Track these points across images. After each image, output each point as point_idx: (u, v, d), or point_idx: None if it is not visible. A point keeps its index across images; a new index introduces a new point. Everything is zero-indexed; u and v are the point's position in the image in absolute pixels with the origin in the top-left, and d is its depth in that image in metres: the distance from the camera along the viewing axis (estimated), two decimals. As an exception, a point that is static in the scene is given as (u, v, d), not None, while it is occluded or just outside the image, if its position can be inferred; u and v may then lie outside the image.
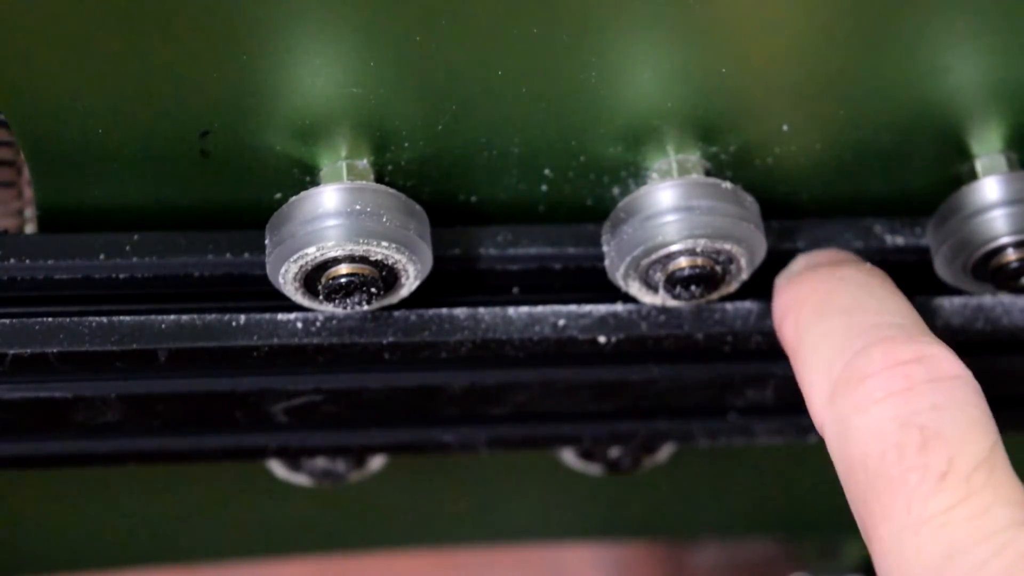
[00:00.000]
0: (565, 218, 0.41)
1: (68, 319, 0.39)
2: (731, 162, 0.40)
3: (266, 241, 0.38)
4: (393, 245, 0.37)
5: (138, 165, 0.39)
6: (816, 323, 0.36)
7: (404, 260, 0.38)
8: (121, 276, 0.39)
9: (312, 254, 0.37)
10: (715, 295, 0.40)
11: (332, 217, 0.37)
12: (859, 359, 0.34)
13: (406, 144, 0.39)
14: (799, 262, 0.40)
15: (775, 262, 0.40)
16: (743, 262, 0.39)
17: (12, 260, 0.39)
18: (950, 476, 0.31)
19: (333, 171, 0.39)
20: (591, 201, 0.41)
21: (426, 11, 0.35)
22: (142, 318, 0.39)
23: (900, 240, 0.42)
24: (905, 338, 0.34)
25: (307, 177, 0.39)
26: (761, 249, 0.39)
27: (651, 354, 0.42)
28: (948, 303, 0.42)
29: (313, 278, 0.38)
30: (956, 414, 0.33)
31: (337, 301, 0.38)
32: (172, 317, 0.39)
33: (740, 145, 0.40)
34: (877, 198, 0.42)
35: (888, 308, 0.36)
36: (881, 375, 0.33)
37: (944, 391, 0.33)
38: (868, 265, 0.39)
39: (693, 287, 0.39)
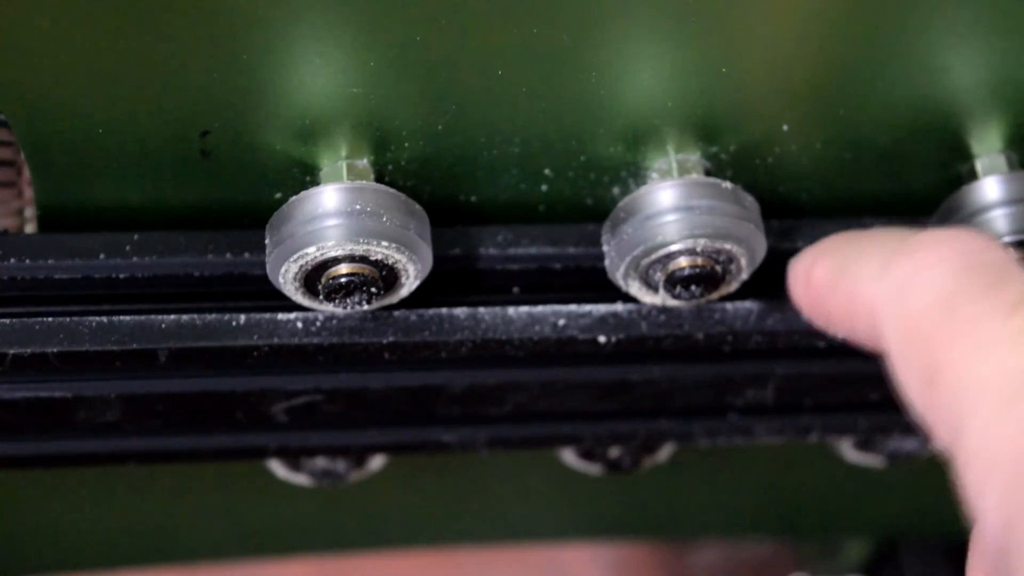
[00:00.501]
0: (565, 218, 0.41)
1: (68, 319, 0.39)
2: (731, 162, 0.40)
3: (266, 241, 0.38)
4: (393, 245, 0.37)
5: (138, 165, 0.39)
6: (853, 245, 0.36)
7: (404, 260, 0.38)
8: (121, 276, 0.39)
9: (312, 254, 0.37)
10: (715, 295, 0.40)
11: (332, 217, 0.37)
12: (912, 236, 0.34)
13: (406, 144, 0.39)
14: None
15: (775, 262, 0.40)
16: (743, 262, 0.39)
17: (12, 260, 0.39)
18: (1022, 307, 0.31)
19: (333, 171, 0.39)
20: (591, 201, 0.41)
21: (426, 11, 0.35)
22: (142, 318, 0.39)
23: (900, 240, 0.42)
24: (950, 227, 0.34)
25: (307, 177, 0.39)
26: (761, 249, 0.39)
27: (651, 354, 0.42)
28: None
29: (313, 278, 0.38)
30: (1018, 272, 0.33)
31: (337, 301, 0.38)
32: (172, 317, 0.39)
33: (740, 145, 0.40)
34: (877, 198, 0.42)
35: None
36: (936, 244, 0.33)
37: (1002, 255, 0.33)
38: None
39: (693, 287, 0.39)
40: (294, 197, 0.38)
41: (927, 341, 0.32)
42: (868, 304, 0.34)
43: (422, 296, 0.40)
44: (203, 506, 0.54)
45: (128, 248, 0.39)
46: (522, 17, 0.36)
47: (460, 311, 0.40)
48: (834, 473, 0.52)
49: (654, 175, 0.40)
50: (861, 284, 0.34)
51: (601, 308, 0.41)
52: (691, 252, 0.38)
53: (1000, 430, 0.30)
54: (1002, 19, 0.37)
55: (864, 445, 0.49)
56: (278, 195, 0.40)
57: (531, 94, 0.38)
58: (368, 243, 0.37)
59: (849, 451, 0.50)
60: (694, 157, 0.40)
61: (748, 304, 0.41)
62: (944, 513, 0.58)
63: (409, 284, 0.39)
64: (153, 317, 0.39)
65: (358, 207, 0.37)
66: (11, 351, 0.39)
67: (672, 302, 0.40)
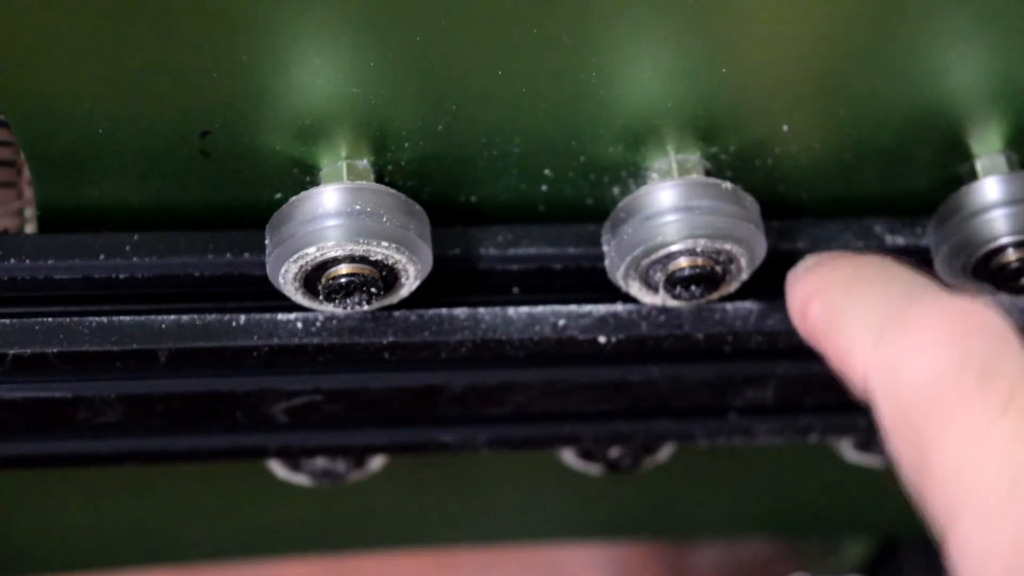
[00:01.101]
0: (565, 218, 0.41)
1: (68, 319, 0.39)
2: (731, 162, 0.40)
3: (266, 241, 0.38)
4: (393, 245, 0.37)
5: (138, 165, 0.39)
6: (849, 294, 0.36)
7: (404, 260, 0.38)
8: (121, 276, 0.39)
9: (312, 254, 0.37)
10: (715, 295, 0.40)
11: (332, 217, 0.37)
12: (908, 307, 0.34)
13: (406, 144, 0.39)
14: (811, 258, 0.39)
15: (775, 262, 0.40)
16: (743, 262, 0.39)
17: (12, 260, 0.39)
18: (1013, 405, 0.31)
19: (333, 171, 0.39)
20: (591, 201, 0.41)
21: (426, 11, 0.35)
22: (142, 318, 0.39)
23: (900, 240, 0.42)
24: (949, 293, 0.34)
25: (307, 177, 0.39)
26: (761, 249, 0.39)
27: (651, 354, 0.42)
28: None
29: (313, 278, 0.38)
30: (1013, 356, 0.33)
31: (337, 301, 0.38)
32: (172, 317, 0.39)
33: (740, 145, 0.40)
34: (877, 198, 0.42)
35: (919, 278, 0.36)
36: (934, 320, 0.33)
37: (997, 338, 0.33)
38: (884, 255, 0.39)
39: (693, 287, 0.39)
40: (294, 197, 0.38)
41: (917, 430, 0.32)
42: (860, 372, 0.34)
43: (422, 296, 0.40)
44: (203, 506, 0.54)
45: (128, 248, 0.39)
46: (522, 17, 0.36)
47: (460, 311, 0.40)
48: (834, 473, 0.52)
49: (654, 175, 0.40)
50: (854, 351, 0.35)
51: (601, 308, 0.41)
52: (691, 252, 0.38)
53: (990, 535, 0.30)
54: (1002, 19, 0.37)
55: (864, 445, 0.49)
56: (278, 195, 0.40)
57: (531, 94, 0.38)
58: (368, 243, 0.37)
59: (849, 451, 0.50)
60: (694, 157, 0.40)
61: (748, 304, 0.41)
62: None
63: (409, 284, 0.39)
64: (153, 317, 0.39)
65: (358, 207, 0.37)
66: (11, 351, 0.39)
67: (672, 302, 0.40)
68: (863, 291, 0.36)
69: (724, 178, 0.39)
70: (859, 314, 0.35)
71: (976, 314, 0.34)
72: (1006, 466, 0.31)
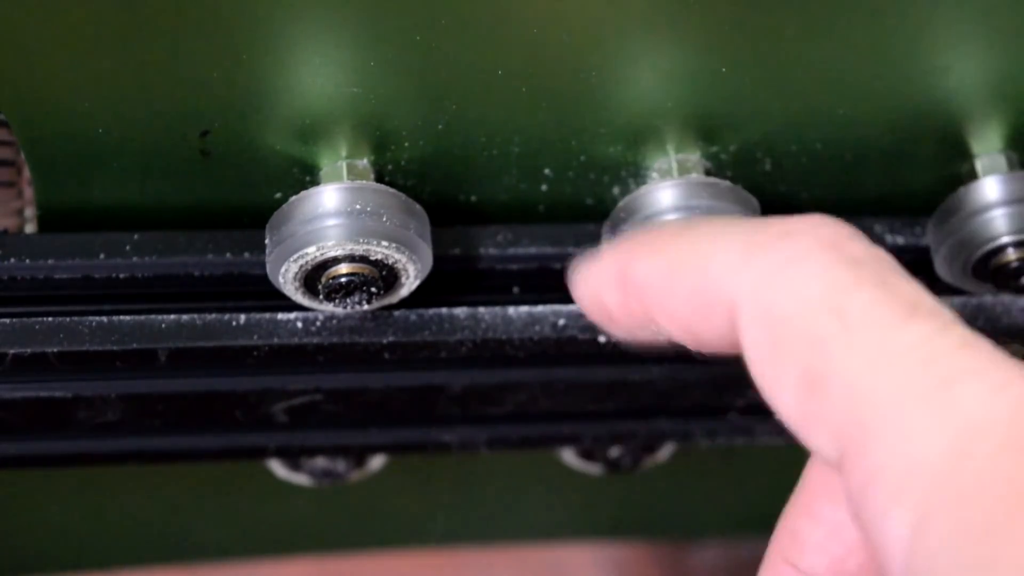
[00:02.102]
0: (565, 218, 0.41)
1: (68, 319, 0.39)
2: (731, 162, 0.40)
3: (266, 241, 0.38)
4: (393, 245, 0.37)
5: (138, 165, 0.39)
6: (687, 236, 0.30)
7: (404, 260, 0.38)
8: (121, 276, 0.39)
9: (312, 253, 0.37)
10: (715, 295, 0.40)
11: (332, 217, 0.37)
12: (768, 225, 0.29)
13: (406, 144, 0.39)
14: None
15: (775, 262, 0.40)
16: (743, 262, 0.39)
17: (12, 260, 0.39)
18: (921, 309, 0.28)
19: (333, 171, 0.39)
20: (591, 201, 0.41)
21: (426, 11, 0.35)
22: (142, 318, 0.39)
23: (900, 240, 0.42)
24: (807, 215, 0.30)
25: (307, 177, 0.39)
26: (761, 249, 0.39)
27: (651, 354, 0.42)
28: (948, 303, 0.42)
29: (313, 277, 0.38)
30: (894, 263, 0.30)
31: (337, 301, 0.38)
32: (172, 317, 0.39)
33: (740, 145, 0.40)
34: (877, 198, 0.42)
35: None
36: (802, 232, 0.29)
37: (867, 241, 0.30)
38: None
39: (693, 287, 0.39)
40: (294, 197, 0.38)
41: (809, 343, 0.29)
42: (724, 299, 0.30)
43: (422, 296, 0.40)
44: (203, 506, 0.54)
45: (128, 248, 0.39)
46: (522, 17, 0.36)
47: (460, 311, 0.40)
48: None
49: (654, 175, 0.40)
50: (713, 277, 0.30)
51: (601, 308, 0.41)
52: (691, 252, 0.38)
53: (913, 450, 0.27)
54: (1003, 18, 0.37)
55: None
56: (278, 195, 0.40)
57: (531, 94, 0.38)
58: (368, 243, 0.37)
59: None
60: (694, 157, 0.40)
61: (748, 304, 0.41)
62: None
63: (409, 284, 0.39)
64: (153, 317, 0.39)
65: (358, 207, 0.37)
66: (11, 351, 0.39)
67: (672, 302, 0.40)
68: (704, 229, 0.31)
69: (724, 178, 0.39)
70: (710, 244, 0.30)
71: (844, 226, 0.30)
72: (928, 378, 0.27)
